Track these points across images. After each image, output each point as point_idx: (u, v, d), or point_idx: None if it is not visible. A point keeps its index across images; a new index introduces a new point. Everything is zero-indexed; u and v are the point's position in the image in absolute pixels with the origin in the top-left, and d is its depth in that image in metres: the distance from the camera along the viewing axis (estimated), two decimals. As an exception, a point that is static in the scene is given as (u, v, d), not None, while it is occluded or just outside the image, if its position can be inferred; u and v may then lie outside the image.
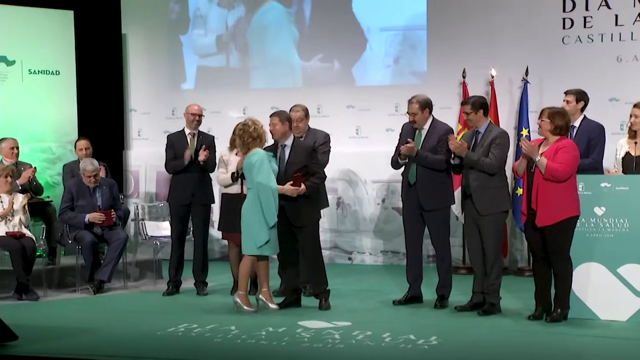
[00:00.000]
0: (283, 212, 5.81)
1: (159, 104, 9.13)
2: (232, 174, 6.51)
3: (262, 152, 5.74)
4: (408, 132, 6.18)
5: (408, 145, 5.95)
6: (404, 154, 5.95)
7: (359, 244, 8.60)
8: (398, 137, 6.25)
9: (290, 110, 6.43)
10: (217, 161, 6.85)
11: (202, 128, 6.95)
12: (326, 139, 6.64)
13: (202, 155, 6.67)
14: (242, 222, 5.85)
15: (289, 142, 5.98)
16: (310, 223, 5.98)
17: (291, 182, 5.76)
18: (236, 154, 6.46)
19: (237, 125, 5.83)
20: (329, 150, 6.62)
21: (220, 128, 8.17)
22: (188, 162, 6.71)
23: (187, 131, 6.91)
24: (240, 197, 6.18)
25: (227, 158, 6.67)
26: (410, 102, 6.13)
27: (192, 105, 6.93)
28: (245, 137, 5.71)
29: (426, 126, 6.14)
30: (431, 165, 6.02)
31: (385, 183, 8.43)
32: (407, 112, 6.16)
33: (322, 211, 6.40)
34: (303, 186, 5.83)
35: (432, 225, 6.14)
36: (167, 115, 8.96)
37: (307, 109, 6.56)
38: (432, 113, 6.18)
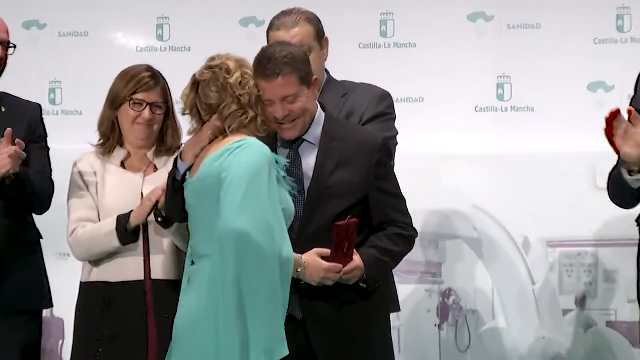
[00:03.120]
0: (290, 335, 5.12)
1: None
2: (119, 219, 5.88)
3: (262, 148, 5.40)
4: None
5: None
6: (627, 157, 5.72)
7: None
8: (626, 114, 5.69)
9: (270, 27, 6.04)
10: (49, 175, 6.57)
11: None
12: (384, 104, 6.14)
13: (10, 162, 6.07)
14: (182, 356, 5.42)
15: (315, 127, 5.80)
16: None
17: (327, 254, 5.36)
18: (123, 161, 6.05)
19: (198, 73, 5.40)
20: (395, 140, 6.04)
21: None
22: None
23: None
24: (144, 291, 5.72)
25: (94, 177, 6.10)
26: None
27: None
28: (211, 97, 5.30)
29: None
30: None
31: (588, 247, 7.68)
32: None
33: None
34: (357, 259, 5.34)
35: None
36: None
37: (317, 20, 6.15)
38: None
